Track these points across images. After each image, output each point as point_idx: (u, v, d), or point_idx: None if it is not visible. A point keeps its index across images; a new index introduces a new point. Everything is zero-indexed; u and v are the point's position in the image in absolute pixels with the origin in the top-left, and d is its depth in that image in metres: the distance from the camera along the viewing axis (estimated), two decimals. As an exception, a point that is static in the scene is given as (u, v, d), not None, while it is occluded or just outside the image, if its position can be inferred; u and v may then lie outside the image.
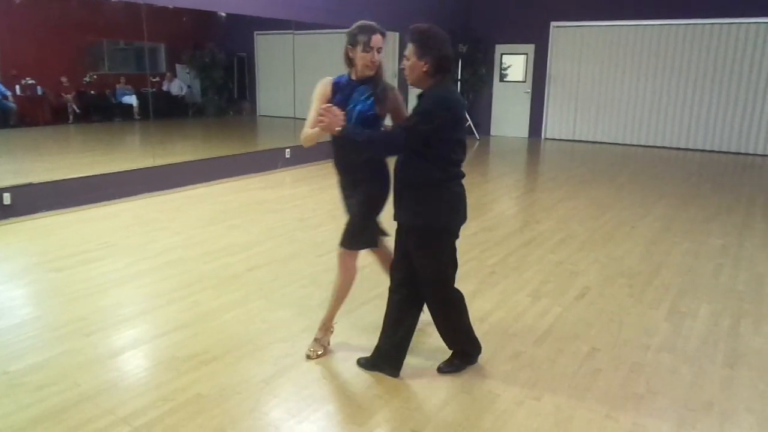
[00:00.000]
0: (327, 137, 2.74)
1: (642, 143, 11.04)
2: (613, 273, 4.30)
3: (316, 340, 3.04)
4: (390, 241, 2.92)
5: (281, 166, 8.23)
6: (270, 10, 7.64)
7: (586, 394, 2.71)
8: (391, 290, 2.81)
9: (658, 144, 10.89)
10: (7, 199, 5.35)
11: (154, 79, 9.48)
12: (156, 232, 5.13)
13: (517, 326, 3.40)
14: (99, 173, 6.21)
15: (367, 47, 2.75)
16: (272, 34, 9.58)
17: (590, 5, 10.98)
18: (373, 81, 2.83)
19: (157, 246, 4.71)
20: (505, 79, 12.17)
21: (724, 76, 10.16)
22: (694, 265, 4.50)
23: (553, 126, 11.87)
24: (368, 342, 3.01)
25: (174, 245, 4.74)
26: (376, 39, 2.77)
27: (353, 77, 2.84)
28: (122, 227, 5.25)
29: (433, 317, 2.83)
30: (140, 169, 6.56)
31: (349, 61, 2.83)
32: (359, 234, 2.93)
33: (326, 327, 3.05)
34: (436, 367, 2.87)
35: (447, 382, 2.79)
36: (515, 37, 11.76)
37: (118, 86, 9.53)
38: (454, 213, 2.64)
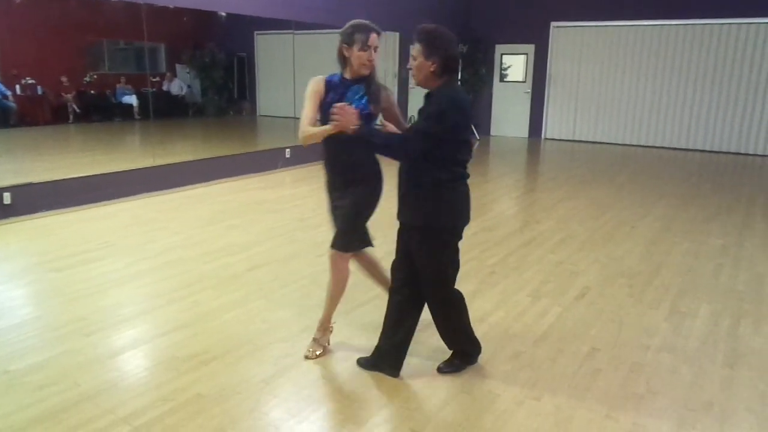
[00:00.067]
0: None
1: (642, 143, 11.04)
2: (613, 273, 4.30)
3: (314, 340, 3.04)
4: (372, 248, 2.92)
5: (281, 166, 8.23)
6: (270, 10, 7.64)
7: (586, 394, 2.71)
8: (392, 291, 2.81)
9: (658, 144, 10.89)
10: (7, 198, 5.35)
11: (154, 79, 9.48)
12: (156, 231, 5.13)
13: (517, 326, 3.40)
14: (99, 173, 6.20)
15: (365, 46, 2.73)
16: (272, 34, 9.58)
17: (590, 5, 10.98)
18: (367, 80, 2.82)
19: (157, 246, 4.71)
20: (505, 79, 12.17)
21: (724, 76, 10.16)
22: (694, 265, 4.50)
23: (553, 126, 11.87)
24: (368, 342, 3.01)
25: (174, 245, 4.74)
26: (374, 38, 2.76)
27: (347, 76, 2.83)
28: (122, 227, 5.25)
29: (433, 317, 2.83)
30: (140, 168, 6.55)
31: (344, 60, 2.81)
32: (352, 235, 2.93)
33: (324, 327, 3.05)
34: (435, 367, 2.87)
35: (447, 382, 2.79)
36: (515, 37, 11.76)
37: (118, 86, 9.53)
38: (459, 213, 2.64)
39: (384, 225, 5.39)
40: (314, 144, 2.82)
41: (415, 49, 2.54)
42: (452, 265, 2.73)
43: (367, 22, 2.78)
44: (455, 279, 2.77)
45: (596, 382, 2.81)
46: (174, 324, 3.34)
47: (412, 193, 2.61)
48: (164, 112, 9.59)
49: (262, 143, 10.16)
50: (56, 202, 5.72)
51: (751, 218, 5.91)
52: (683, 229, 5.48)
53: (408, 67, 2.63)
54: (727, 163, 9.61)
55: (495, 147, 11.04)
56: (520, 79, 11.99)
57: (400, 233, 2.76)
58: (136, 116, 9.35)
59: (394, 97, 2.97)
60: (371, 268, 3.20)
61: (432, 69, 2.50)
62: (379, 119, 2.93)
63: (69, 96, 8.90)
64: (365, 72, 2.80)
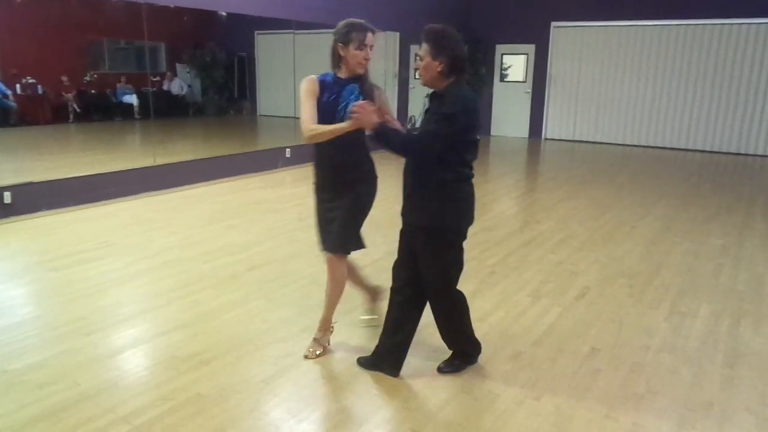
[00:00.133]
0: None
1: (642, 143, 11.04)
2: (613, 273, 4.30)
3: (315, 340, 3.04)
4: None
5: (281, 165, 8.23)
6: (270, 10, 7.64)
7: (586, 394, 2.71)
8: (394, 291, 2.80)
9: (658, 144, 10.89)
10: (7, 198, 5.35)
11: (154, 79, 9.49)
12: (156, 231, 5.13)
13: (517, 326, 3.40)
14: (99, 172, 6.20)
15: (362, 45, 2.72)
16: (273, 33, 9.59)
17: (590, 5, 10.98)
18: (361, 79, 2.81)
19: (157, 245, 4.71)
20: (505, 79, 12.17)
21: (724, 77, 10.16)
22: (694, 265, 4.51)
23: (553, 126, 11.87)
24: (368, 342, 3.01)
25: (174, 245, 4.74)
26: (370, 37, 2.74)
27: (341, 75, 2.80)
28: (122, 226, 5.25)
29: (435, 317, 2.83)
30: (141, 168, 6.55)
31: (339, 59, 2.78)
32: (351, 236, 2.92)
33: (325, 327, 3.05)
34: (436, 367, 2.87)
35: (447, 382, 2.79)
36: (515, 37, 11.76)
37: (118, 85, 9.54)
38: (464, 213, 2.64)
39: (384, 225, 5.39)
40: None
41: (422, 49, 2.52)
42: (456, 265, 2.72)
43: (362, 21, 2.76)
44: (458, 279, 2.77)
45: (596, 382, 2.81)
46: (174, 323, 3.34)
47: (417, 193, 2.61)
48: (164, 111, 9.60)
49: (262, 143, 10.17)
50: (56, 201, 5.72)
51: (751, 218, 5.91)
52: (683, 229, 5.48)
53: (415, 67, 2.63)
54: (727, 163, 9.61)
55: (495, 147, 11.04)
56: (521, 79, 11.99)
57: (404, 233, 2.75)
58: (137, 116, 9.36)
59: (386, 95, 2.95)
60: (352, 272, 3.16)
61: (439, 69, 2.50)
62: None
63: (69, 95, 8.91)
64: (361, 71, 2.78)
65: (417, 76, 11.78)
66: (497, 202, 6.54)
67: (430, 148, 2.47)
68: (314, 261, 4.40)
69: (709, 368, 2.96)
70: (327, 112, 2.73)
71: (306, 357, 2.96)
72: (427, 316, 2.83)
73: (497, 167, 9.05)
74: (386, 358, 2.81)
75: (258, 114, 10.92)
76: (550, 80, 11.66)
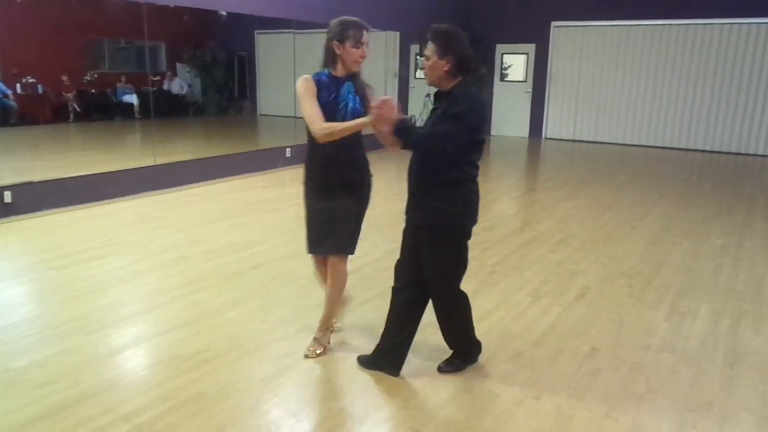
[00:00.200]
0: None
1: (642, 143, 11.04)
2: (613, 273, 4.30)
3: (315, 339, 3.04)
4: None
5: (282, 165, 8.23)
6: (271, 10, 7.64)
7: (586, 393, 2.71)
8: (396, 290, 2.80)
9: (658, 144, 10.90)
10: (8, 197, 5.36)
11: (154, 78, 9.49)
12: (157, 230, 5.13)
13: (517, 326, 3.40)
14: (100, 172, 6.21)
15: (358, 43, 2.70)
16: (273, 33, 9.59)
17: (591, 5, 10.98)
18: (354, 78, 2.79)
19: (159, 244, 4.72)
20: (505, 79, 12.17)
21: (725, 77, 10.16)
22: (694, 265, 4.51)
23: (553, 126, 11.87)
24: (368, 341, 3.01)
25: (175, 243, 4.75)
26: (365, 35, 2.73)
27: (336, 74, 2.77)
28: (123, 225, 5.25)
29: (437, 317, 2.84)
30: (141, 167, 6.56)
31: (334, 57, 2.75)
32: (356, 237, 2.92)
33: (325, 327, 3.05)
34: (436, 367, 2.87)
35: (447, 381, 2.79)
36: (516, 36, 11.76)
37: (118, 85, 9.54)
38: (470, 211, 2.65)
39: (384, 225, 5.39)
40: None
41: (429, 48, 2.52)
42: (461, 264, 2.73)
43: (356, 18, 2.74)
44: (461, 279, 2.77)
45: (596, 381, 2.81)
46: (175, 322, 3.34)
47: (423, 192, 2.60)
48: (165, 111, 9.60)
49: (262, 142, 10.17)
50: (57, 200, 5.72)
51: (752, 218, 5.92)
52: (683, 229, 5.49)
53: (420, 66, 2.62)
54: (728, 163, 9.62)
55: (495, 147, 11.04)
56: (521, 79, 11.99)
57: (407, 232, 2.74)
58: (137, 115, 9.36)
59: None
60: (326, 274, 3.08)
61: (446, 69, 2.50)
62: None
63: (69, 95, 8.91)
64: (357, 69, 2.77)
65: (417, 76, 11.75)
66: (497, 202, 6.54)
67: (444, 147, 2.45)
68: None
69: (709, 368, 2.96)
70: (327, 111, 2.71)
71: (306, 356, 2.97)
72: (428, 315, 2.84)
73: (497, 167, 9.05)
74: (387, 357, 2.82)
75: (258, 114, 10.92)
76: (551, 80, 11.67)
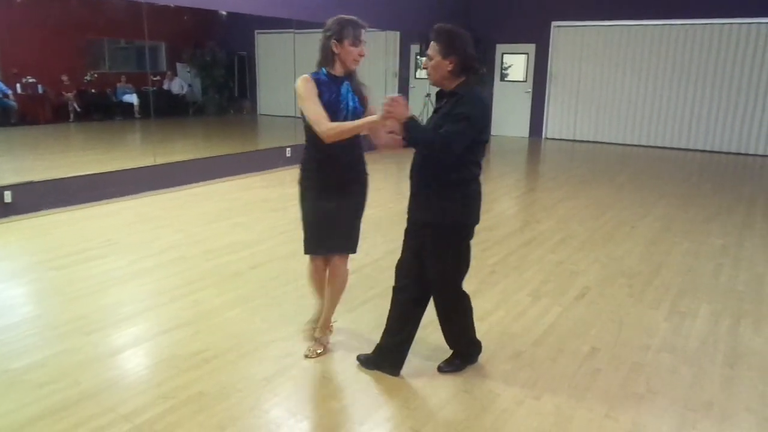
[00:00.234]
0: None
1: (642, 143, 11.04)
2: (613, 273, 4.30)
3: (315, 339, 3.04)
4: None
5: (282, 165, 8.23)
6: (271, 9, 7.64)
7: (586, 393, 2.71)
8: (397, 290, 2.79)
9: (659, 144, 10.89)
10: (8, 197, 5.36)
11: (154, 78, 9.49)
12: (157, 230, 5.13)
13: (517, 326, 3.40)
14: (100, 171, 6.21)
15: (357, 41, 2.69)
16: (273, 33, 9.59)
17: (591, 5, 10.98)
18: (351, 76, 2.78)
19: (159, 244, 4.72)
20: (505, 79, 12.17)
21: (725, 77, 10.16)
22: (694, 265, 4.51)
23: (553, 126, 11.87)
24: (367, 341, 3.01)
25: (175, 243, 4.75)
26: (364, 33, 2.72)
27: (335, 73, 2.74)
28: (123, 225, 5.25)
29: (438, 316, 2.84)
30: (141, 167, 6.56)
31: (332, 56, 2.71)
32: (356, 236, 2.92)
33: (324, 326, 3.06)
34: (436, 367, 2.88)
35: (447, 381, 2.79)
36: (516, 36, 11.76)
37: (118, 85, 9.54)
38: (474, 211, 2.65)
39: (384, 225, 5.40)
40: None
41: (432, 48, 2.51)
42: (463, 263, 2.73)
43: (353, 17, 2.72)
44: (463, 278, 2.77)
45: (596, 381, 2.82)
46: (175, 322, 3.34)
47: (426, 191, 2.60)
48: (165, 111, 9.60)
49: (262, 142, 10.17)
50: (57, 200, 5.72)
51: (752, 218, 5.92)
52: (683, 229, 5.49)
53: (423, 66, 2.61)
54: (728, 163, 9.62)
55: (495, 147, 11.04)
56: (521, 79, 11.99)
57: (410, 232, 2.74)
58: (137, 115, 9.35)
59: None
60: (322, 276, 3.05)
61: (450, 68, 2.49)
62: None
63: (70, 95, 8.91)
64: (355, 67, 2.75)
65: (417, 76, 11.75)
66: (498, 202, 6.54)
67: (453, 147, 2.43)
68: (315, 260, 4.41)
69: (709, 368, 2.96)
70: (329, 111, 2.68)
71: (306, 356, 2.97)
72: (428, 315, 2.84)
73: (497, 167, 9.05)
74: (387, 356, 2.82)
75: (258, 113, 10.92)
76: (551, 80, 11.66)
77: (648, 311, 3.65)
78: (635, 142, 11.10)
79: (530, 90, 11.90)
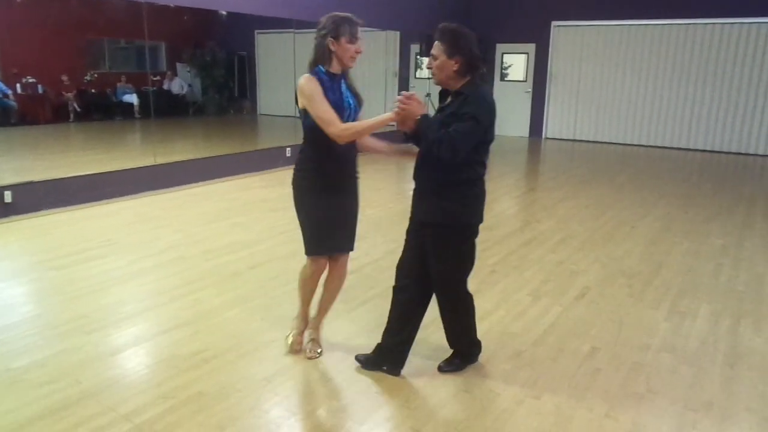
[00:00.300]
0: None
1: (642, 143, 11.04)
2: (613, 273, 4.30)
3: (313, 340, 3.02)
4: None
5: (282, 164, 8.23)
6: (271, 9, 7.65)
7: (586, 393, 2.71)
8: (398, 289, 2.79)
9: (659, 144, 10.89)
10: (8, 197, 5.36)
11: (154, 78, 9.49)
12: (157, 230, 5.14)
13: (518, 325, 3.40)
14: (100, 171, 6.21)
15: (353, 38, 2.64)
16: (273, 33, 9.59)
17: (591, 5, 10.98)
18: (346, 74, 2.74)
19: (159, 244, 4.72)
20: (505, 79, 12.17)
21: (725, 76, 10.16)
22: (694, 265, 4.51)
23: (553, 125, 11.87)
24: (367, 341, 3.01)
25: (175, 243, 4.75)
26: (359, 30, 2.68)
27: (333, 71, 2.68)
28: (124, 225, 5.25)
29: (441, 315, 2.84)
30: (141, 167, 6.55)
31: (329, 54, 2.65)
32: (355, 233, 2.93)
33: (319, 325, 3.05)
34: (436, 366, 2.88)
35: (447, 380, 2.79)
36: (516, 36, 11.76)
37: (118, 85, 9.54)
38: (479, 210, 2.65)
39: (384, 225, 5.39)
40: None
41: (437, 48, 2.50)
42: (468, 262, 2.72)
43: (348, 14, 2.67)
44: (467, 277, 2.77)
45: (596, 381, 2.82)
46: (175, 322, 3.34)
47: (432, 191, 2.59)
48: (165, 110, 9.60)
49: (262, 142, 10.17)
50: (57, 200, 5.72)
51: (752, 218, 5.92)
52: (683, 229, 5.49)
53: (428, 66, 2.59)
54: (728, 163, 9.62)
55: (495, 146, 10.95)
56: (521, 79, 11.99)
57: (412, 230, 2.73)
58: (137, 115, 9.36)
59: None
60: (317, 283, 3.01)
61: (455, 68, 2.48)
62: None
63: (70, 95, 8.91)
64: (352, 65, 2.70)
65: (417, 76, 11.73)
66: (498, 202, 6.54)
67: (459, 147, 2.41)
68: (315, 260, 4.40)
69: (709, 368, 2.96)
70: (335, 110, 2.63)
71: (309, 358, 2.95)
72: (429, 315, 2.84)
73: (498, 166, 9.05)
74: (388, 356, 2.82)
75: (258, 113, 10.92)
76: (551, 79, 11.67)
77: (648, 311, 3.65)
78: (635, 142, 11.10)
79: (530, 90, 11.91)
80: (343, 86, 2.73)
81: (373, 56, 10.54)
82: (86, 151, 8.35)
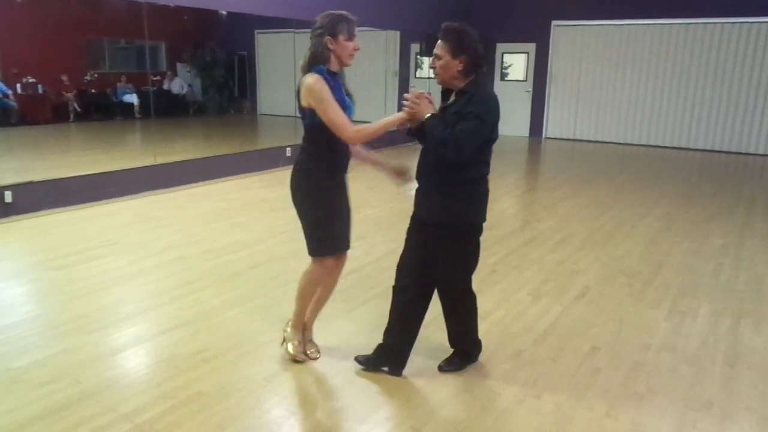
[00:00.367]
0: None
1: (642, 143, 11.04)
2: (614, 272, 4.30)
3: (311, 341, 3.01)
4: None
5: (282, 164, 8.23)
6: (271, 9, 7.64)
7: (587, 393, 2.71)
8: (398, 289, 2.78)
9: (659, 143, 10.89)
10: (8, 197, 5.36)
11: (155, 78, 9.49)
12: (157, 230, 5.14)
13: (518, 325, 3.40)
14: (100, 171, 6.21)
15: (351, 36, 2.62)
16: (273, 32, 9.59)
17: (591, 4, 10.98)
18: (341, 73, 2.71)
19: (159, 244, 4.72)
20: (505, 78, 12.17)
21: (725, 76, 10.16)
22: (695, 264, 4.51)
23: (553, 125, 11.87)
24: (368, 340, 3.01)
25: (175, 243, 4.75)
26: (355, 27, 2.66)
27: (333, 69, 2.65)
28: (124, 225, 5.25)
29: (445, 315, 2.84)
30: (141, 167, 6.55)
31: (327, 53, 2.62)
32: None
33: (310, 326, 3.03)
34: (436, 366, 2.87)
35: (448, 380, 2.79)
36: (516, 36, 11.76)
37: (119, 85, 9.55)
38: (483, 209, 2.65)
39: (384, 225, 5.40)
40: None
41: (440, 47, 2.49)
42: (472, 261, 2.72)
43: (344, 11, 2.65)
44: (471, 276, 2.77)
45: (596, 381, 2.81)
46: (175, 322, 3.34)
47: (437, 190, 2.58)
48: (165, 110, 9.61)
49: (262, 142, 10.17)
50: (57, 200, 5.72)
51: (752, 218, 5.91)
52: (683, 228, 5.48)
53: (431, 66, 2.58)
54: (728, 162, 9.61)
55: (496, 146, 10.96)
56: (521, 78, 11.99)
57: (414, 230, 2.73)
58: (137, 115, 9.37)
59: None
60: (317, 289, 3.00)
61: (459, 68, 2.47)
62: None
63: (70, 95, 8.92)
64: (350, 63, 2.67)
65: (417, 75, 11.72)
66: (498, 201, 6.54)
67: (466, 147, 2.41)
68: (315, 260, 4.40)
69: (709, 368, 2.96)
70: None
71: (314, 359, 2.94)
72: (430, 314, 2.84)
73: (498, 166, 9.04)
74: (389, 356, 2.81)
75: (258, 113, 10.93)
76: (551, 79, 11.66)
77: (648, 311, 3.65)
78: (635, 142, 11.09)
79: (530, 89, 11.90)
80: (343, 86, 2.73)
81: (373, 56, 10.54)
82: (86, 151, 8.35)
